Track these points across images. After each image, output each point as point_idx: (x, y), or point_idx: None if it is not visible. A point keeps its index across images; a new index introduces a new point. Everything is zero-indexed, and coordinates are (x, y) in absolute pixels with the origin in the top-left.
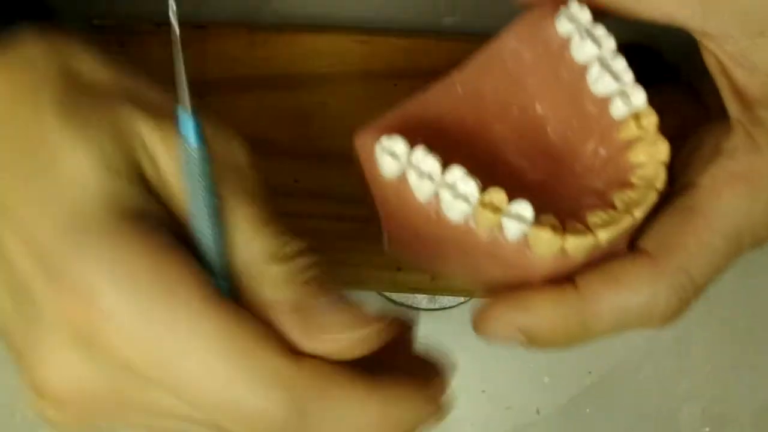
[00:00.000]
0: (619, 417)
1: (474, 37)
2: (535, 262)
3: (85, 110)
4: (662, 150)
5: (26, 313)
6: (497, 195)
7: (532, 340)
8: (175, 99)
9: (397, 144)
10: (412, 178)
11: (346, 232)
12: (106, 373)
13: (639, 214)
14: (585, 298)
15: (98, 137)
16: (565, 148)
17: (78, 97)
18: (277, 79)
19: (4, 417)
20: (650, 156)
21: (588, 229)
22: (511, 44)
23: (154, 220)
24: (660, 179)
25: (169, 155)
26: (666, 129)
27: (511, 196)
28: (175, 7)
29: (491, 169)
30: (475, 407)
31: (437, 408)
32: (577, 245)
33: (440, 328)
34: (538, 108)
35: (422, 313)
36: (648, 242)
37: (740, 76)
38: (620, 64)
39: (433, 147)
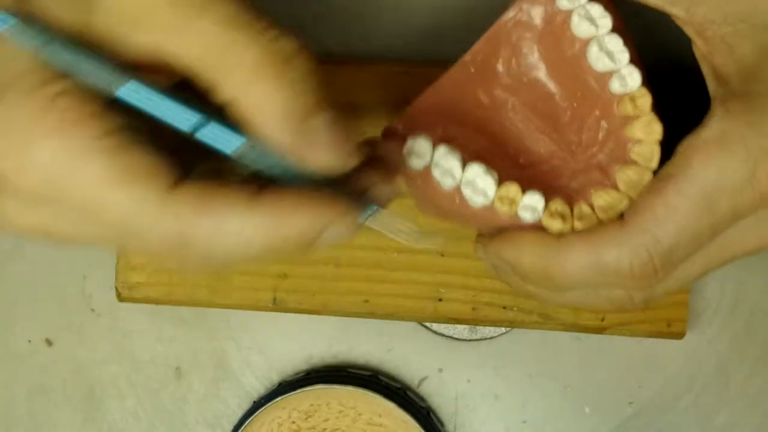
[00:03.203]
0: None
1: None
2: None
3: None
4: (657, 129)
5: None
6: (512, 189)
7: (518, 273)
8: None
9: (420, 144)
10: (436, 174)
11: (385, 263)
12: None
13: (635, 195)
14: (561, 246)
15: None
16: (572, 118)
17: None
18: None
19: None
20: (646, 134)
21: (593, 211)
22: (515, 19)
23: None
24: (655, 159)
25: None
26: None
27: (526, 173)
28: None
29: (507, 144)
30: None
31: (336, 219)
32: (582, 227)
33: (481, 358)
34: (546, 80)
35: (463, 344)
36: (626, 209)
37: (719, 58)
38: (616, 45)
39: (452, 130)
